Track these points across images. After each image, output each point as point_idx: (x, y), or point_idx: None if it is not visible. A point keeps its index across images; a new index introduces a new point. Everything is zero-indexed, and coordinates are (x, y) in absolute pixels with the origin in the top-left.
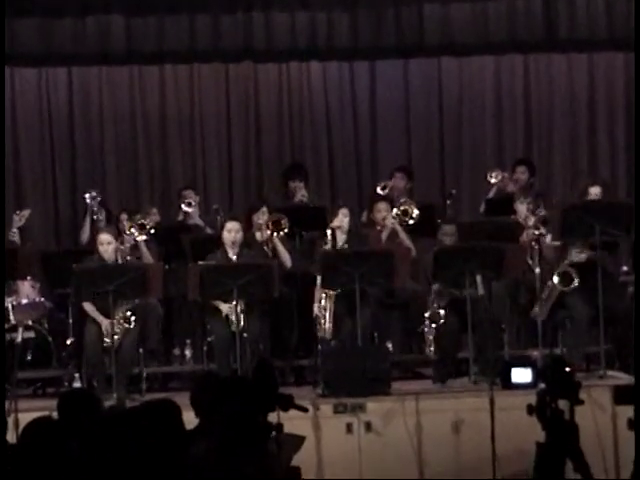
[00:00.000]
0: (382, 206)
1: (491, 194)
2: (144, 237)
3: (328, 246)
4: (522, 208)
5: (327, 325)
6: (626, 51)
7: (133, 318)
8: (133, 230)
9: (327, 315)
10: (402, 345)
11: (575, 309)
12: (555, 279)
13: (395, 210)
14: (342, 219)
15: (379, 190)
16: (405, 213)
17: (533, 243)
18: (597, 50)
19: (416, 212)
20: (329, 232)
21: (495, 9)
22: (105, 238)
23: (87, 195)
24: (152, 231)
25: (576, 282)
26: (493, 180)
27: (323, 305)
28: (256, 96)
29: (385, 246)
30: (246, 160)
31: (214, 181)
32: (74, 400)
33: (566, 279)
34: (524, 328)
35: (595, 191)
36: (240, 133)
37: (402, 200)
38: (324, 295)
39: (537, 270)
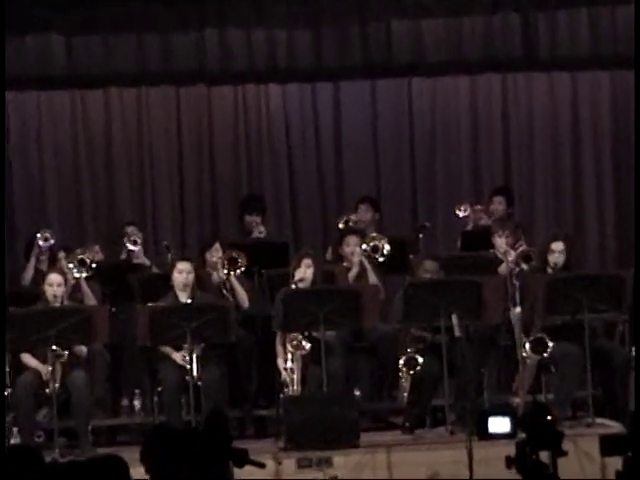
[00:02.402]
0: (352, 240)
1: (469, 227)
2: (84, 274)
3: None
4: (501, 242)
5: (295, 386)
6: (611, 69)
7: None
8: (72, 266)
9: (295, 377)
10: (372, 392)
11: (560, 351)
12: (527, 346)
13: (364, 246)
14: (305, 270)
15: (341, 225)
16: (375, 249)
17: (514, 280)
18: (580, 69)
19: (387, 248)
20: (292, 287)
21: (470, 25)
22: (55, 279)
23: (39, 235)
24: (93, 266)
25: (550, 346)
26: (462, 214)
27: (290, 367)
28: (210, 122)
29: (351, 284)
30: (199, 192)
31: (164, 215)
32: (14, 457)
33: (540, 345)
34: (505, 372)
35: (558, 247)
36: (193, 162)
37: (372, 235)
38: (290, 355)
39: (517, 310)
